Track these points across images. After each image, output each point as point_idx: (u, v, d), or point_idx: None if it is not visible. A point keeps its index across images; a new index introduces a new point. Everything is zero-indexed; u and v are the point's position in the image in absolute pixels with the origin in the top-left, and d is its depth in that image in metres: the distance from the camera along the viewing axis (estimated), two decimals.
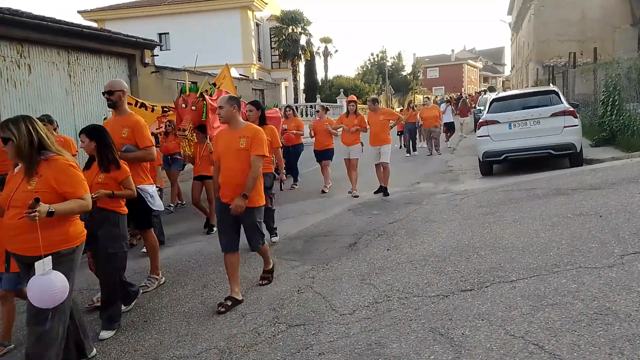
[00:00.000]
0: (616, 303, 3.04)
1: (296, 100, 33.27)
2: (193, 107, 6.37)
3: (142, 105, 7.86)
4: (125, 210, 4.05)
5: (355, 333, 3.28)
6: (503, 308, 3.25)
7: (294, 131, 9.92)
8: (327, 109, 9.94)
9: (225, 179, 4.16)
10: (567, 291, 3.32)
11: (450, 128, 16.97)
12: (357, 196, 8.28)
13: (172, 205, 8.74)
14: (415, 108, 16.25)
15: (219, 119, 4.42)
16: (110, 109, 4.76)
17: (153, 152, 4.62)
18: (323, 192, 9.26)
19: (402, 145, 15.89)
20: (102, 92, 4.72)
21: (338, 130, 8.94)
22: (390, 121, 8.56)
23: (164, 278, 4.92)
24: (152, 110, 8.06)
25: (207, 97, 6.57)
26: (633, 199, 5.23)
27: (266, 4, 30.21)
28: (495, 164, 9.56)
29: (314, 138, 9.72)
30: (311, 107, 28.45)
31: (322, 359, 3.03)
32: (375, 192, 8.38)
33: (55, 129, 6.26)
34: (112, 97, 4.54)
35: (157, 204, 4.67)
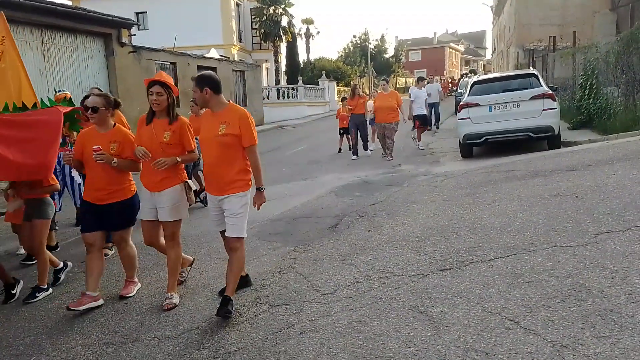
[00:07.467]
0: (589, 280, 3.12)
1: (278, 82, 32.94)
2: None
3: None
4: None
5: (337, 312, 3.32)
6: (481, 286, 3.31)
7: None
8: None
9: None
10: (542, 269, 3.39)
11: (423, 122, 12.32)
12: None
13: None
14: (362, 94, 11.71)
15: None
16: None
17: None
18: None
19: (341, 148, 12.43)
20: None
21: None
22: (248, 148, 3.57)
23: None
24: None
25: None
26: (608, 180, 5.35)
27: None
28: (476, 147, 9.67)
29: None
30: (293, 89, 28.18)
31: (303, 337, 3.06)
32: (219, 293, 3.88)
33: None
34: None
35: None
